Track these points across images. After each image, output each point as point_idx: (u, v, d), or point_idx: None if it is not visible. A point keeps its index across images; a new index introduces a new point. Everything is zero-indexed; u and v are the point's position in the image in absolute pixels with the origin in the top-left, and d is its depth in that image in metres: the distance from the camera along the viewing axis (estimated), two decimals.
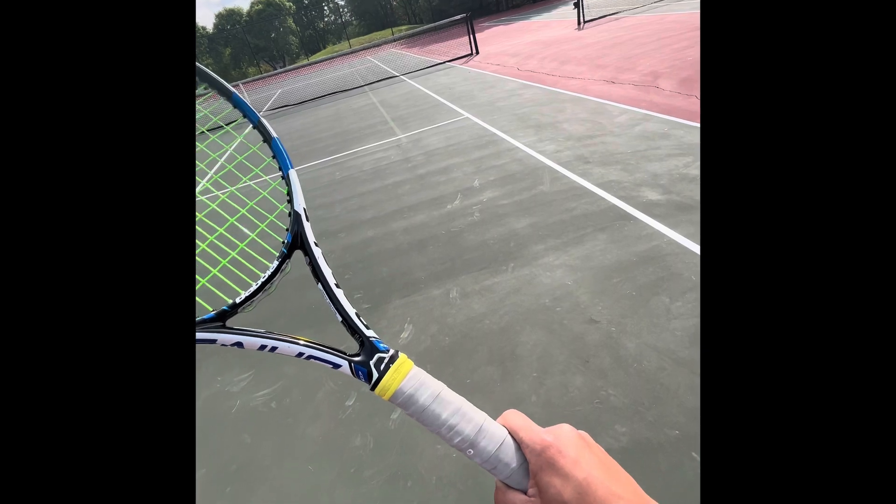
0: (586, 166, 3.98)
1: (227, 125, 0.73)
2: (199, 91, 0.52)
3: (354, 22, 51.98)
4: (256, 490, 1.85)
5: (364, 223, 4.08)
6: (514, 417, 0.41)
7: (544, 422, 0.39)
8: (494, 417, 0.42)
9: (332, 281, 0.49)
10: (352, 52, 27.66)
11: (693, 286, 2.30)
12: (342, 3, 51.82)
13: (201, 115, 0.61)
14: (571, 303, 2.41)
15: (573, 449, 0.37)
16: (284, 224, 0.53)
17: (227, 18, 45.51)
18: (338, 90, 13.48)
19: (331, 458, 1.89)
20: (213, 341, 0.45)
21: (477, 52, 13.77)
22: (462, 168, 4.70)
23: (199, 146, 0.48)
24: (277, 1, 45.42)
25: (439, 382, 0.42)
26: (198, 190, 0.54)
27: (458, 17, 13.83)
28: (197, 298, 0.45)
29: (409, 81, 11.73)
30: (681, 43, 7.68)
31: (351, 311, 0.47)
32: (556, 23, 17.32)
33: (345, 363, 0.44)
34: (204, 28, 45.71)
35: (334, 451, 1.93)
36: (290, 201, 0.52)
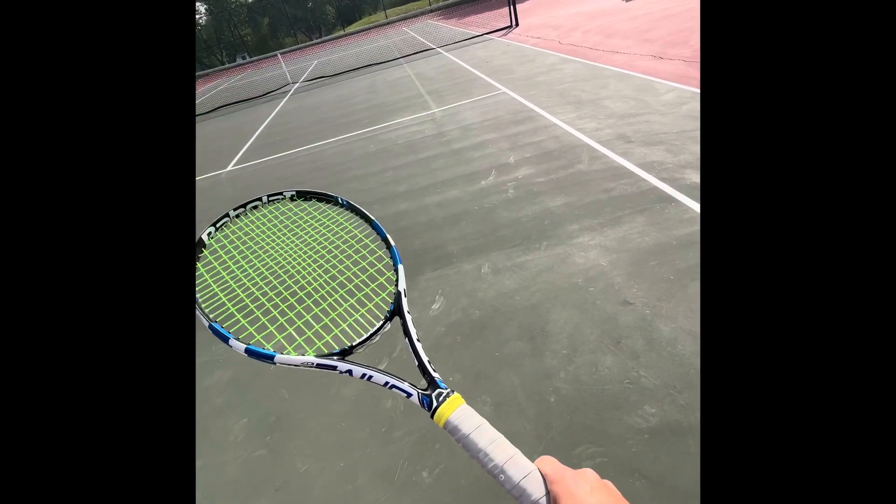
0: (628, 146, 3.83)
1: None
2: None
3: None
4: (294, 440, 1.97)
5: (397, 196, 4.10)
6: (547, 458, 0.46)
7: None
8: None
9: (415, 336, 0.65)
10: (388, 24, 27.25)
11: None
12: None
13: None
14: (605, 283, 2.38)
15: (592, 483, 0.41)
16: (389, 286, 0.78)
17: None
18: (373, 62, 13.36)
19: (363, 418, 1.99)
20: (335, 367, 0.65)
21: (517, 25, 13.27)
22: (497, 144, 4.63)
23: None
24: None
25: (482, 418, 0.51)
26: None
27: None
28: (326, 336, 0.78)
29: (446, 54, 11.47)
30: None
31: (425, 358, 0.62)
32: None
33: (415, 393, 0.59)
34: None
35: (366, 411, 2.02)
36: (396, 283, 0.74)
